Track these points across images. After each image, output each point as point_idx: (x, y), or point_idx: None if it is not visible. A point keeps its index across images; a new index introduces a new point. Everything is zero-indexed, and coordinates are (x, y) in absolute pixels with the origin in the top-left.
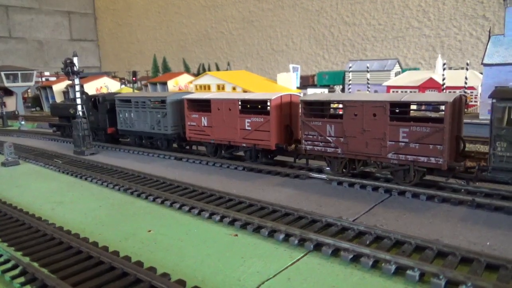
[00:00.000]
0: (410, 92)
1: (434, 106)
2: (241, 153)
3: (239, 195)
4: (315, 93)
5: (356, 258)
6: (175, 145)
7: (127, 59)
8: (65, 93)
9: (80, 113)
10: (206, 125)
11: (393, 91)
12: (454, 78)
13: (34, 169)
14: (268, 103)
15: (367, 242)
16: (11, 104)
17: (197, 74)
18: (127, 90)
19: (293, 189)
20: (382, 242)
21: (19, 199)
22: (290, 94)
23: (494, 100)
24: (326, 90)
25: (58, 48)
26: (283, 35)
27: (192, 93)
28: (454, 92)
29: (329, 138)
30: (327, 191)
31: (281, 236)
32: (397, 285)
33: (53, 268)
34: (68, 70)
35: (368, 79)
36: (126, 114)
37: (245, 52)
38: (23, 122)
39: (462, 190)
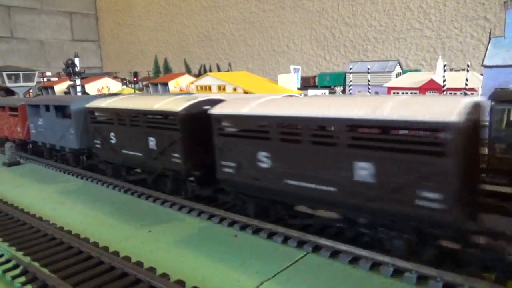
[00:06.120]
0: (411, 94)
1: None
2: None
3: None
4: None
5: (355, 260)
6: None
7: (128, 59)
8: (67, 93)
9: None
10: None
11: (394, 93)
12: (455, 80)
13: (35, 169)
14: None
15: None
16: None
17: (198, 75)
18: (128, 91)
19: None
20: None
21: (20, 199)
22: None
23: (492, 103)
24: (327, 92)
25: (59, 49)
26: (284, 36)
27: (194, 94)
28: (455, 93)
29: None
30: None
31: (280, 239)
32: (395, 287)
33: (53, 268)
34: (70, 71)
35: (369, 81)
36: None
37: (246, 53)
38: None
39: None
